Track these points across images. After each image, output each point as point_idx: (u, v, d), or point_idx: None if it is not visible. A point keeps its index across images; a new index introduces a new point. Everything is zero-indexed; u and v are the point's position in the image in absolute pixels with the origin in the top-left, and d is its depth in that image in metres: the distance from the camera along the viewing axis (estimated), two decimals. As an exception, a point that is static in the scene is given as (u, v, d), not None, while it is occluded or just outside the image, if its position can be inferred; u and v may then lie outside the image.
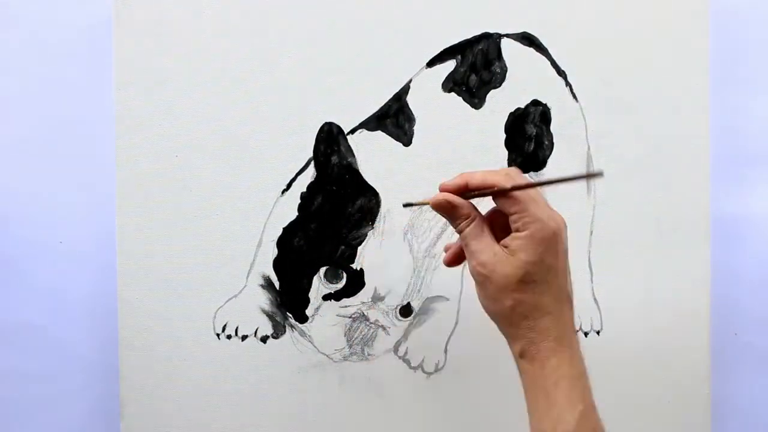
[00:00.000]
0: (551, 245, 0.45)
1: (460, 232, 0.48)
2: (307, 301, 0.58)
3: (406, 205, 0.53)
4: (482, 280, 0.46)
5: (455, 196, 0.48)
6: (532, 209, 0.45)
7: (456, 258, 0.50)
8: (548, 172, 0.59)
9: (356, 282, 0.58)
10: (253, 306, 0.58)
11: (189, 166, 0.57)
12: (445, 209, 0.48)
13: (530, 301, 0.45)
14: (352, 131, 0.58)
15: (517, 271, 0.45)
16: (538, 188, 0.47)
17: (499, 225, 0.48)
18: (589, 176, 0.44)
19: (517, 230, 0.46)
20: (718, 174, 0.62)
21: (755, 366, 0.62)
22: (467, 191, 0.48)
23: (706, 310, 0.60)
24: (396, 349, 0.59)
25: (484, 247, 0.47)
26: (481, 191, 0.47)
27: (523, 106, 0.59)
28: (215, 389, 0.58)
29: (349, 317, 0.58)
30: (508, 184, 0.46)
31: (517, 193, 0.46)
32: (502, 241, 0.47)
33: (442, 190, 0.48)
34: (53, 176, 0.60)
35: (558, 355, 0.45)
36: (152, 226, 0.57)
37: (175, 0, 0.57)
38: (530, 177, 0.59)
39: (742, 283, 0.62)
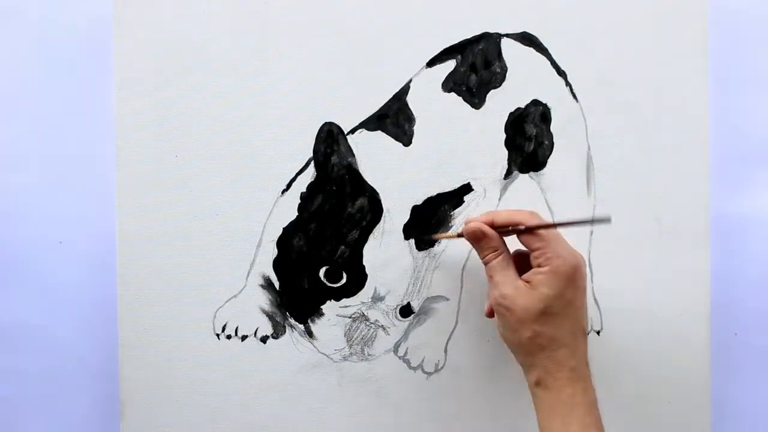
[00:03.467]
0: (571, 281, 0.48)
1: (486, 263, 0.51)
2: (306, 301, 0.58)
3: (435, 239, 0.57)
4: (503, 312, 0.49)
5: (488, 227, 0.51)
6: (554, 246, 0.49)
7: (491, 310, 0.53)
8: (548, 171, 0.59)
9: (356, 282, 0.58)
10: (253, 306, 0.58)
11: (189, 166, 0.58)
12: (478, 238, 0.51)
13: (548, 333, 0.48)
14: (352, 131, 0.58)
15: (537, 304, 0.48)
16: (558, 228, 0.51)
17: (520, 264, 0.51)
18: (601, 221, 0.49)
19: (539, 265, 0.49)
20: (718, 174, 0.62)
21: (755, 366, 0.62)
22: (493, 227, 0.51)
23: (706, 310, 0.60)
24: (396, 349, 0.59)
25: (508, 280, 0.50)
26: (507, 229, 0.51)
27: (523, 106, 0.59)
28: (215, 389, 0.58)
29: (349, 317, 0.58)
30: (532, 222, 0.49)
31: (540, 230, 0.49)
32: (524, 276, 0.50)
33: (468, 221, 0.52)
34: (53, 176, 0.60)
35: (573, 385, 0.48)
36: (152, 226, 0.57)
37: (175, 0, 0.57)
38: (530, 177, 0.59)
39: (742, 283, 0.62)
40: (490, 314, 0.53)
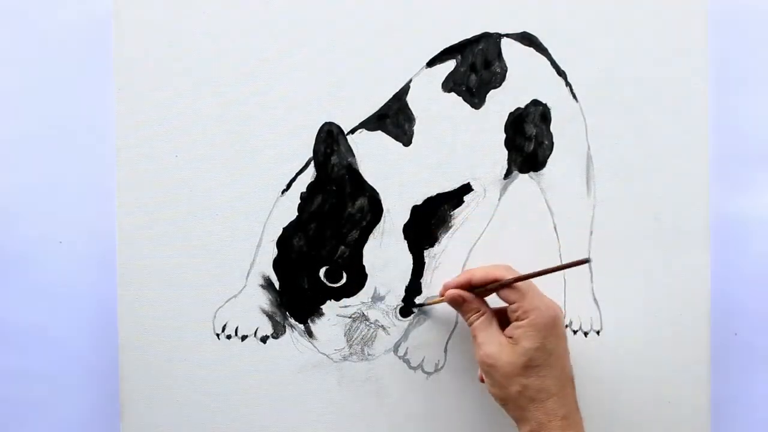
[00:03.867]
0: (551, 331, 0.50)
1: (470, 324, 0.53)
2: (306, 301, 0.58)
3: (420, 305, 0.58)
4: (488, 369, 0.51)
5: (466, 293, 0.53)
6: (530, 298, 0.50)
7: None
8: (548, 172, 0.59)
9: (356, 282, 0.58)
10: (253, 306, 0.58)
11: (189, 166, 0.58)
12: (458, 303, 0.53)
13: (535, 385, 0.49)
14: (352, 131, 0.58)
15: (520, 359, 0.49)
16: (533, 281, 0.52)
17: (504, 319, 0.52)
18: (580, 263, 0.49)
19: (518, 319, 0.50)
20: (718, 174, 0.62)
21: (755, 366, 0.62)
22: (471, 287, 0.53)
23: (706, 310, 0.60)
24: (396, 349, 0.59)
25: (490, 338, 0.51)
26: (485, 286, 0.52)
27: (523, 106, 0.59)
28: (215, 389, 0.58)
29: (349, 317, 0.58)
30: (508, 276, 0.51)
31: (516, 284, 0.51)
32: (505, 331, 0.51)
33: (446, 287, 0.54)
34: (53, 176, 0.60)
35: None
36: (152, 226, 0.57)
37: (175, 0, 0.57)
38: (530, 177, 0.59)
39: (742, 283, 0.62)
40: (483, 379, 0.54)
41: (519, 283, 0.51)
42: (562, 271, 0.59)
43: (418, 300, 0.58)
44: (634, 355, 0.60)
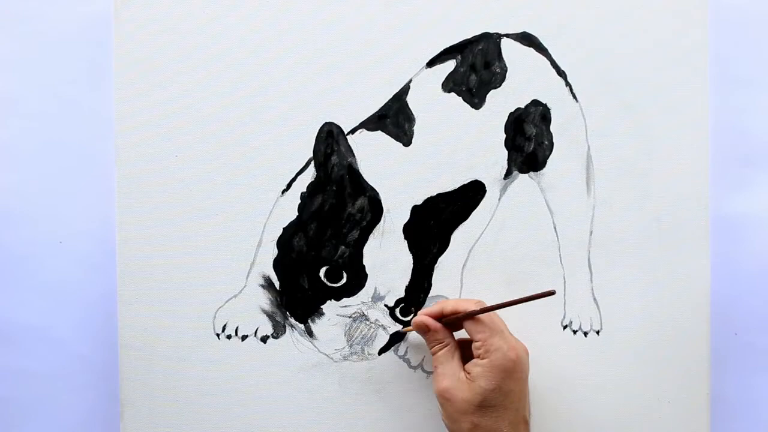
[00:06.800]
0: (509, 374, 0.50)
1: (433, 354, 0.53)
2: (307, 301, 0.58)
3: (397, 333, 0.58)
4: (443, 402, 0.52)
5: (432, 320, 0.53)
6: (495, 338, 0.50)
7: None
8: (548, 172, 0.59)
9: (356, 282, 0.58)
10: (253, 306, 0.58)
11: (189, 166, 0.58)
12: (422, 331, 0.54)
13: (487, 425, 0.50)
14: (352, 131, 0.58)
15: (475, 397, 0.50)
16: (502, 319, 0.52)
17: (468, 351, 0.53)
18: (545, 294, 0.50)
19: (479, 357, 0.51)
20: (718, 174, 0.62)
21: (755, 366, 0.62)
22: (442, 317, 0.53)
23: (706, 310, 0.60)
24: (396, 349, 0.59)
25: (450, 372, 0.52)
26: (453, 316, 0.52)
27: (523, 106, 0.59)
28: (215, 389, 0.58)
29: (349, 317, 0.58)
30: (476, 309, 0.51)
31: (484, 320, 0.51)
32: (465, 366, 0.52)
33: (418, 315, 0.54)
34: (53, 176, 0.60)
35: None
36: (152, 226, 0.58)
37: (175, 0, 0.57)
38: (530, 177, 0.59)
39: (742, 283, 0.62)
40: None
41: (486, 321, 0.51)
42: (561, 274, 0.59)
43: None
44: (634, 355, 0.60)
